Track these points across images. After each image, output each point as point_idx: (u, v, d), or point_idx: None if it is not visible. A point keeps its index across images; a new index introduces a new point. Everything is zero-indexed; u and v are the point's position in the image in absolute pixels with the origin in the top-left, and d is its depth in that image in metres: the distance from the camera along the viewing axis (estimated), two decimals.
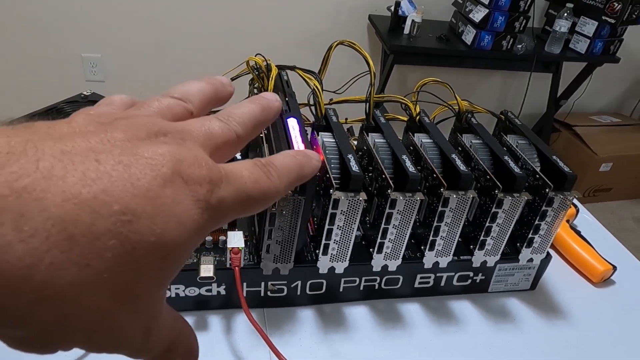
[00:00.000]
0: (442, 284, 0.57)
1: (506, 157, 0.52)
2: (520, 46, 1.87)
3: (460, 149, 0.58)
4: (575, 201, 0.74)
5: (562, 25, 1.88)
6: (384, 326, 0.53)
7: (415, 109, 0.59)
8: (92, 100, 0.73)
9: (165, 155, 0.17)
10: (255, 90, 0.60)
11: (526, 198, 0.51)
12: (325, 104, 0.58)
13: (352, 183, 0.45)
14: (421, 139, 0.56)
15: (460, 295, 0.58)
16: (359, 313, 0.54)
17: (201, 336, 0.47)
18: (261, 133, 0.53)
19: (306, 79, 0.57)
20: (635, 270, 0.67)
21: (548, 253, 0.58)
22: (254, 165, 0.20)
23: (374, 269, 0.53)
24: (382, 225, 0.49)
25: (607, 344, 0.55)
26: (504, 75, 2.35)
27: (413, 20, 1.84)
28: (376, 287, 0.55)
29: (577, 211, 0.71)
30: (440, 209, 0.50)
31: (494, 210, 0.51)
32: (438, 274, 0.56)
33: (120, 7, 1.90)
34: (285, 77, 0.61)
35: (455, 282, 0.57)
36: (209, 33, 2.01)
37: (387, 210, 0.48)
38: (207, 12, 1.96)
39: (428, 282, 0.56)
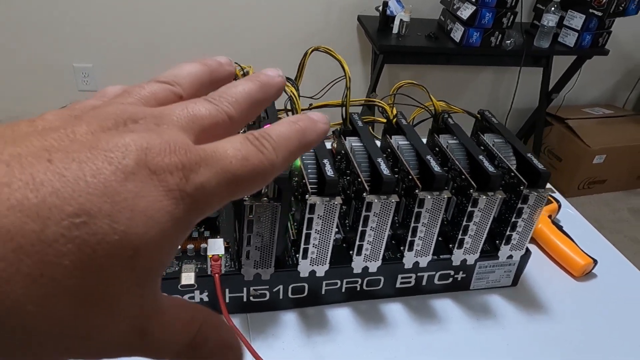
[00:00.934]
0: (424, 283, 0.58)
1: (481, 157, 0.53)
2: (509, 42, 1.88)
3: (437, 149, 0.59)
4: (557, 196, 0.75)
5: (549, 19, 1.89)
6: (366, 327, 0.54)
7: (392, 111, 0.59)
8: None
9: (128, 145, 0.16)
10: None
11: (501, 197, 0.51)
12: (304, 109, 0.59)
13: (327, 188, 0.46)
14: (398, 141, 0.56)
15: (443, 293, 0.59)
16: (341, 315, 0.55)
17: None
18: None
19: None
20: (617, 263, 0.68)
21: (527, 249, 0.58)
22: (243, 141, 0.18)
23: (355, 271, 0.53)
24: (360, 228, 0.50)
25: (588, 338, 0.56)
26: (495, 71, 2.36)
27: (401, 20, 1.85)
28: (358, 288, 0.56)
29: (559, 206, 0.72)
30: (416, 209, 0.50)
31: (469, 209, 0.52)
32: (419, 274, 0.57)
33: (111, 17, 1.91)
34: None
35: (436, 281, 0.58)
36: (200, 38, 2.02)
37: (364, 213, 0.49)
38: (197, 17, 1.97)
39: (409, 282, 0.57)
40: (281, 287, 0.53)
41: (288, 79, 0.60)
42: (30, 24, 1.87)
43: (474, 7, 1.77)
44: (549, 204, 0.71)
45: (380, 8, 1.88)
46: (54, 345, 0.15)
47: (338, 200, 0.47)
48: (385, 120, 0.60)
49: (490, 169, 0.52)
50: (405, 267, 0.55)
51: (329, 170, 0.47)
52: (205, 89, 0.22)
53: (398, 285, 0.57)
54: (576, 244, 0.65)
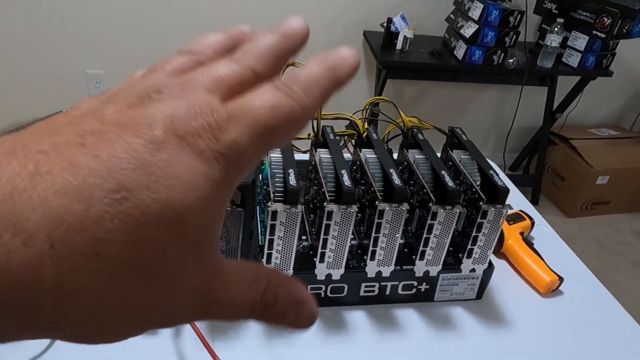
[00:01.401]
0: (388, 292, 0.59)
1: (443, 172, 0.55)
2: (511, 60, 1.90)
3: (405, 163, 0.61)
4: (534, 214, 0.76)
5: (553, 39, 1.90)
6: (327, 331, 0.56)
7: (364, 125, 0.62)
8: None
9: (154, 115, 0.16)
10: None
11: (459, 211, 0.53)
12: None
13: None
14: (366, 154, 0.59)
15: (407, 304, 0.61)
16: None
17: (150, 339, 0.51)
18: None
19: None
20: (586, 282, 0.69)
21: (491, 263, 0.60)
22: (270, 89, 0.18)
23: (318, 278, 0.56)
24: (322, 236, 0.52)
25: (546, 352, 0.57)
26: (500, 89, 2.37)
27: (405, 36, 1.88)
28: (322, 295, 0.58)
29: (533, 223, 0.73)
30: (376, 220, 0.53)
31: (429, 222, 0.54)
32: (382, 283, 0.59)
33: (122, 25, 1.98)
34: None
35: (400, 291, 0.60)
36: None
37: (325, 222, 0.51)
38: (205, 29, 2.02)
39: (373, 291, 0.59)
40: None
41: None
42: (45, 32, 1.95)
43: (477, 26, 1.80)
44: (522, 221, 0.73)
45: (385, 24, 1.91)
46: (123, 318, 0.16)
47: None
48: (356, 134, 0.63)
49: (450, 184, 0.54)
50: (369, 275, 0.57)
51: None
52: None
53: (362, 293, 0.59)
54: (544, 261, 0.66)
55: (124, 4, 1.93)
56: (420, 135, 0.63)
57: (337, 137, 0.60)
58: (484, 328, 0.59)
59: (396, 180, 0.53)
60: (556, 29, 1.89)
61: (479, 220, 0.55)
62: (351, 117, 0.62)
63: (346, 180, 0.51)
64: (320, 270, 0.55)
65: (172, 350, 0.51)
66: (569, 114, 2.29)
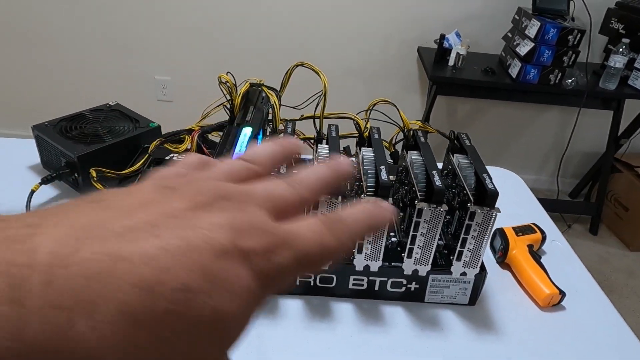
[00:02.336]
0: (376, 287, 0.61)
1: (434, 172, 0.56)
2: (569, 81, 1.83)
3: (404, 163, 0.62)
4: (548, 228, 0.74)
5: (617, 60, 1.81)
6: (311, 319, 0.58)
7: (366, 125, 0.64)
8: (116, 109, 0.86)
9: (223, 226, 0.17)
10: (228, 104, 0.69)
11: (444, 210, 0.54)
12: (288, 120, 0.66)
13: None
14: (364, 152, 0.61)
15: (397, 302, 0.62)
16: (292, 305, 0.59)
17: None
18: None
19: (268, 94, 0.65)
20: (593, 299, 0.66)
21: (483, 269, 0.60)
22: (320, 225, 0.19)
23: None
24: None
25: None
26: (560, 111, 2.28)
27: (458, 53, 1.87)
28: (312, 283, 0.60)
29: (544, 238, 0.71)
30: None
31: (415, 219, 0.55)
32: (371, 278, 0.60)
33: (190, 36, 2.12)
34: (264, 94, 0.70)
35: (389, 288, 0.61)
36: (267, 59, 2.16)
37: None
38: (265, 41, 2.13)
39: (362, 285, 0.61)
40: None
41: (273, 89, 0.67)
42: (120, 40, 2.13)
43: (533, 44, 1.75)
44: (533, 233, 0.71)
45: (438, 41, 1.91)
46: None
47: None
48: (357, 134, 0.65)
49: (437, 183, 0.55)
50: (357, 269, 0.59)
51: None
52: (279, 165, 0.24)
53: (350, 286, 0.61)
54: (547, 274, 0.65)
55: (195, 18, 2.08)
56: (422, 138, 0.64)
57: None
58: (471, 333, 0.59)
59: (383, 176, 0.54)
60: (621, 50, 1.80)
61: (467, 222, 0.55)
62: (354, 117, 0.64)
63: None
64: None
65: None
66: (634, 139, 2.16)
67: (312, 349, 0.55)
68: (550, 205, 2.16)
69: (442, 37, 1.89)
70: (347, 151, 0.74)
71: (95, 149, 0.72)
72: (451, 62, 1.90)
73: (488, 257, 0.71)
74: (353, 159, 0.25)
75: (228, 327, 0.17)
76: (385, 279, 0.60)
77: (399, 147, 0.68)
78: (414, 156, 0.61)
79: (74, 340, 0.13)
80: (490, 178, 0.56)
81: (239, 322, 0.17)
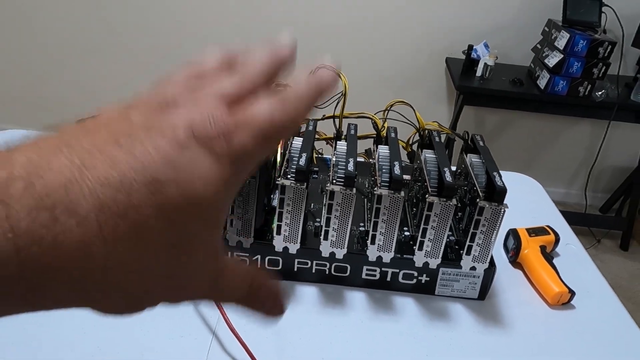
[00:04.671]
0: (389, 279, 0.64)
1: (445, 169, 0.59)
2: (599, 93, 1.81)
3: (418, 161, 0.65)
4: (561, 230, 0.75)
5: None
6: (325, 305, 0.61)
7: (383, 124, 0.68)
8: None
9: (176, 122, 0.19)
10: None
11: (454, 204, 0.57)
12: (318, 119, 0.70)
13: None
14: (380, 150, 0.65)
15: (408, 293, 0.64)
16: (308, 292, 0.63)
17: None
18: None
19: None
20: (604, 299, 0.67)
21: (492, 264, 0.62)
22: (268, 103, 0.21)
23: (323, 254, 0.62)
24: (325, 215, 0.59)
25: (537, 358, 0.57)
26: (591, 124, 2.24)
27: (485, 63, 1.88)
28: (327, 272, 0.64)
29: (557, 240, 0.73)
30: (375, 206, 0.58)
31: (426, 212, 0.58)
32: (383, 269, 0.63)
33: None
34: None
35: (401, 279, 0.64)
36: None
37: (327, 202, 0.58)
38: (303, 52, 2.19)
39: (374, 275, 0.64)
40: (259, 257, 0.63)
41: None
42: (139, 43, 2.23)
43: (562, 56, 1.75)
44: (546, 235, 0.73)
45: (465, 51, 1.93)
46: (157, 291, 0.20)
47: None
48: (375, 133, 0.68)
49: (448, 179, 0.57)
50: (370, 259, 0.62)
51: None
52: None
53: (364, 276, 0.64)
54: (557, 274, 0.66)
55: (227, 31, 2.16)
56: (437, 138, 0.67)
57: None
58: (479, 326, 0.61)
59: (396, 171, 0.58)
60: None
61: (475, 216, 0.58)
62: (372, 116, 0.68)
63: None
64: (325, 248, 0.61)
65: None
66: None
67: (324, 331, 0.58)
68: (578, 218, 2.13)
69: (470, 47, 1.91)
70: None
71: None
72: (479, 73, 1.91)
73: (501, 256, 0.73)
74: (334, 65, 0.26)
75: (206, 210, 0.19)
76: (397, 270, 0.63)
77: (415, 148, 0.71)
78: (427, 154, 0.64)
79: (62, 234, 0.16)
80: (500, 176, 0.59)
81: (216, 205, 0.19)
